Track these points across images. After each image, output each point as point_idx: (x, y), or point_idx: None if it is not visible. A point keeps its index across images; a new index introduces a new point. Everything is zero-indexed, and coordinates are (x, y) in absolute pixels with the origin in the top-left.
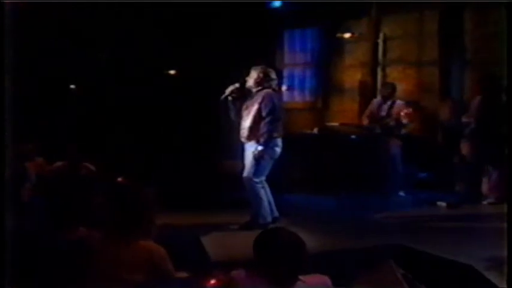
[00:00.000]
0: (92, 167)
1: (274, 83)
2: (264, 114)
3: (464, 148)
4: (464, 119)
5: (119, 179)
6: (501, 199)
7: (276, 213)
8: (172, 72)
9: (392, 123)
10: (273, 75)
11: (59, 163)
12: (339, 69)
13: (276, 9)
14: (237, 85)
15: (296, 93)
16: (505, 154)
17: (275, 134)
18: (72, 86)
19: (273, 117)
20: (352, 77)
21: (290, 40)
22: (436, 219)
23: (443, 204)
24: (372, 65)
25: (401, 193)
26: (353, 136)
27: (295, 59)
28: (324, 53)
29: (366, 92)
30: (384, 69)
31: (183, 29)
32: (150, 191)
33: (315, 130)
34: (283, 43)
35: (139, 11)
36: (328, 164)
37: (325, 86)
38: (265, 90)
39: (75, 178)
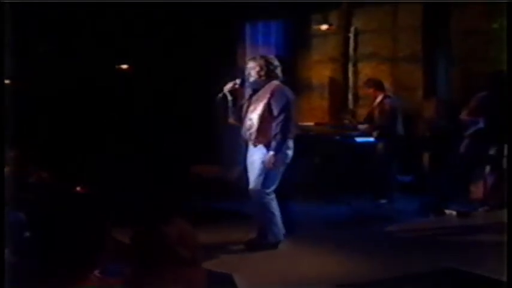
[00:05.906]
0: (44, 174)
1: (279, 70)
2: (275, 112)
3: (463, 149)
4: (465, 117)
5: (78, 188)
6: (497, 205)
7: (283, 229)
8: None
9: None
10: (276, 62)
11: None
12: (306, 64)
13: None
14: (237, 81)
15: None
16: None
17: (290, 135)
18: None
19: (286, 115)
20: (320, 73)
21: (252, 33)
22: (455, 231)
23: (453, 212)
24: (342, 60)
25: (383, 200)
26: (337, 137)
27: (258, 53)
28: (289, 47)
29: (336, 89)
30: (355, 65)
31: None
32: (188, 223)
33: None
34: (244, 36)
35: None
36: (306, 167)
37: (292, 82)
38: (273, 83)
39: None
